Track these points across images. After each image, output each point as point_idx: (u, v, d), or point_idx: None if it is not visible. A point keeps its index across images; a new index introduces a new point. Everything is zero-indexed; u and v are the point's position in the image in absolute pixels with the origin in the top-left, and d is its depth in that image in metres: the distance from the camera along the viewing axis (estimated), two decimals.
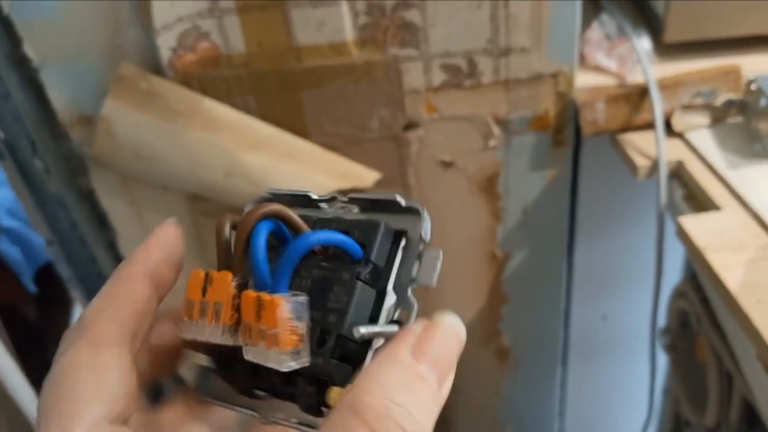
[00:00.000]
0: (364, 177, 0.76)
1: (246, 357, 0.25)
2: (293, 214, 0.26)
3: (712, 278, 0.54)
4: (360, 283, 0.25)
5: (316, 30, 0.68)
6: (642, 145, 0.67)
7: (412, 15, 0.67)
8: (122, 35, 0.70)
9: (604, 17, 0.73)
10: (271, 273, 0.25)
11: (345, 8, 0.67)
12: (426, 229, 0.26)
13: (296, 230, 0.26)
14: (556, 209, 0.79)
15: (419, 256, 0.26)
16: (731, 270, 0.53)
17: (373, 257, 0.25)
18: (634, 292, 0.88)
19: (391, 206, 0.27)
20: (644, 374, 0.78)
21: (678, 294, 0.69)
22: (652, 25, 0.75)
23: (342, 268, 0.26)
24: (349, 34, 0.69)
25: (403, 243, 0.26)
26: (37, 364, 1.67)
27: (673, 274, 0.76)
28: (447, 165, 0.77)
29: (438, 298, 0.87)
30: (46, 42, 0.72)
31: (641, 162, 0.66)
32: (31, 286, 1.67)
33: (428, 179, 0.78)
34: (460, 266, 0.85)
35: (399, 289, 0.26)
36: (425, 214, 0.26)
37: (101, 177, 0.79)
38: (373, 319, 0.25)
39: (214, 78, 0.71)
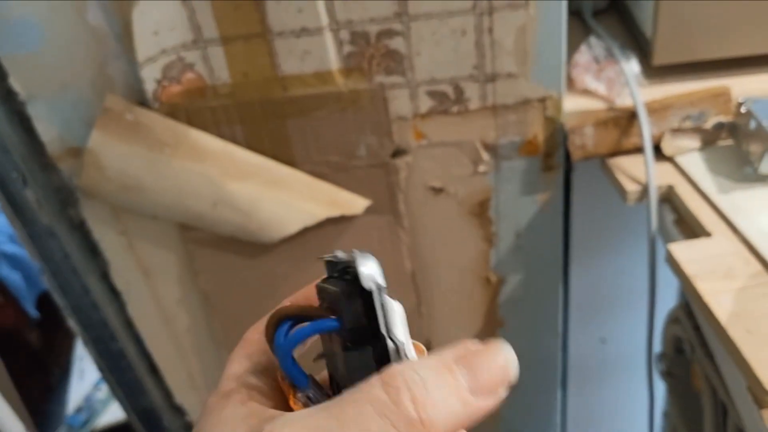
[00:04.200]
0: (353, 204, 0.76)
1: None
2: (298, 310, 0.28)
3: (701, 307, 0.53)
4: (347, 354, 0.26)
5: (300, 60, 0.68)
6: (631, 170, 0.66)
7: (397, 43, 0.67)
8: (108, 68, 0.70)
9: (593, 40, 0.73)
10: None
11: (329, 38, 0.67)
12: (365, 275, 0.26)
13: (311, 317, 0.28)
14: (549, 233, 0.78)
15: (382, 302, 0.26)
16: (721, 298, 0.52)
17: (347, 323, 0.26)
18: (632, 315, 0.86)
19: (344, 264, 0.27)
20: (644, 397, 0.77)
21: (672, 320, 0.68)
22: (641, 47, 0.74)
23: (338, 345, 0.27)
24: (334, 63, 0.68)
25: (375, 294, 0.26)
26: (38, 389, 1.67)
27: (669, 298, 0.75)
28: (437, 191, 0.76)
29: (433, 323, 0.86)
30: (33, 75, 0.72)
31: (631, 187, 0.65)
32: (33, 311, 1.68)
33: (419, 205, 0.77)
34: (454, 291, 0.84)
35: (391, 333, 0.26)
36: (359, 262, 0.26)
37: (92, 207, 0.79)
38: None
39: (200, 108, 0.71)
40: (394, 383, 0.23)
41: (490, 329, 0.88)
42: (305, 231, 0.74)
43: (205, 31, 0.67)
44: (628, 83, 0.67)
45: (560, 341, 0.89)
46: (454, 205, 0.77)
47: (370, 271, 0.26)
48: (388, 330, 0.26)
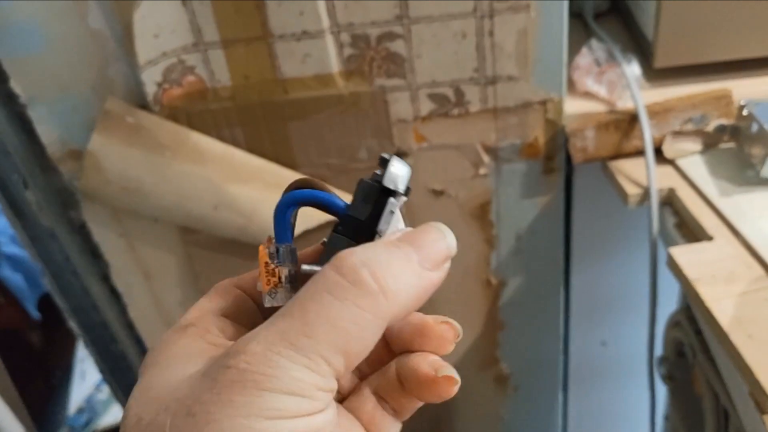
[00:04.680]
0: None
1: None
2: (320, 183, 0.28)
3: (703, 311, 0.53)
4: (334, 234, 0.27)
5: (301, 62, 0.68)
6: (632, 173, 0.66)
7: (397, 46, 0.67)
8: (109, 70, 0.70)
9: (594, 42, 0.73)
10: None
11: (329, 40, 0.67)
12: (392, 179, 0.26)
13: (329, 203, 0.28)
14: (550, 236, 0.78)
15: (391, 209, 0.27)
16: (722, 303, 0.52)
17: (349, 211, 0.27)
18: (632, 317, 0.86)
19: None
20: (646, 400, 0.77)
21: (673, 323, 0.68)
22: (642, 49, 0.74)
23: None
24: (335, 65, 0.68)
25: (391, 198, 0.27)
26: (39, 390, 1.67)
27: (670, 301, 0.74)
28: (438, 193, 0.76)
29: None
30: (34, 78, 0.72)
31: (632, 190, 0.64)
32: (35, 312, 1.67)
33: (419, 207, 0.77)
34: (455, 293, 0.84)
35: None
36: (390, 166, 0.27)
37: (93, 210, 0.79)
38: None
39: (201, 111, 0.71)
40: (347, 263, 0.24)
41: (491, 332, 0.87)
42: (306, 233, 0.74)
43: (205, 34, 0.67)
44: (629, 86, 0.67)
45: (561, 344, 0.89)
46: (454, 207, 0.77)
47: (398, 172, 0.26)
48: (380, 229, 0.27)
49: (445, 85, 0.69)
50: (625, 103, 0.68)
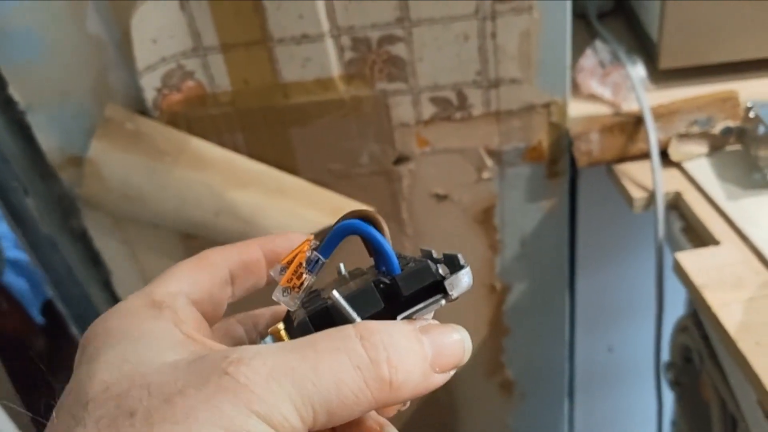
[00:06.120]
0: None
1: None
2: (381, 224, 0.28)
3: (710, 317, 0.52)
4: (372, 286, 0.26)
5: (301, 66, 0.67)
6: (638, 176, 0.65)
7: (399, 49, 0.66)
8: (108, 76, 0.70)
9: (598, 44, 0.72)
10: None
11: (330, 44, 0.66)
12: (455, 285, 0.27)
13: (387, 258, 0.28)
14: (555, 240, 0.77)
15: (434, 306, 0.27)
16: (730, 309, 0.51)
17: (399, 279, 0.26)
18: (639, 322, 0.85)
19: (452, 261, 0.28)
20: (653, 405, 0.76)
21: (680, 329, 0.67)
22: (647, 50, 0.73)
23: (370, 277, 0.28)
24: (336, 69, 0.67)
25: (438, 295, 0.27)
26: (42, 395, 1.67)
27: (677, 305, 0.73)
28: (441, 198, 0.75)
29: None
30: (32, 84, 0.71)
31: (637, 194, 0.64)
32: (38, 318, 1.67)
33: (422, 212, 0.76)
34: (459, 299, 0.83)
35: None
36: (461, 273, 0.27)
37: (93, 217, 0.78)
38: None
39: (201, 117, 0.70)
40: (373, 340, 0.24)
41: (495, 337, 0.86)
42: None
43: (204, 39, 0.66)
44: (634, 88, 0.66)
45: (567, 349, 0.88)
46: (458, 212, 0.76)
47: (463, 283, 0.27)
48: (412, 316, 0.27)
49: (447, 89, 0.68)
50: (629, 106, 0.67)
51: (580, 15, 0.80)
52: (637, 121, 0.66)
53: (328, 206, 0.74)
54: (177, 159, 0.71)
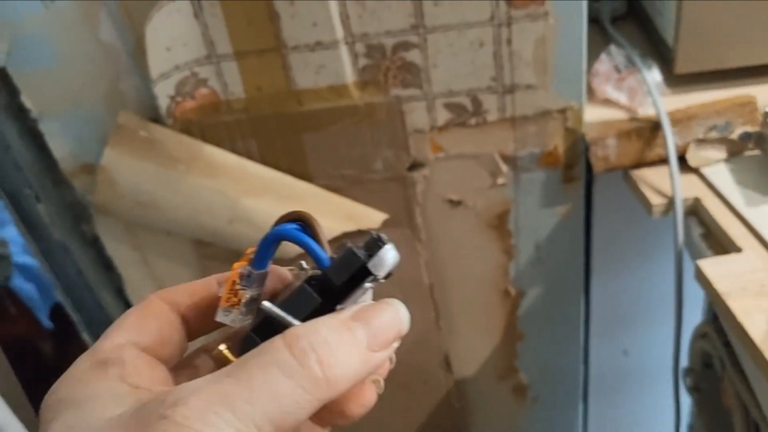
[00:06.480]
0: (370, 218, 0.74)
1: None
2: (312, 221, 0.28)
3: (734, 326, 0.51)
4: (304, 285, 0.27)
5: (315, 73, 0.67)
6: (656, 182, 0.65)
7: (413, 55, 0.65)
8: (121, 84, 0.69)
9: (613, 48, 0.71)
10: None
11: (344, 51, 0.66)
12: (379, 265, 0.27)
13: (314, 254, 0.28)
14: (570, 245, 0.77)
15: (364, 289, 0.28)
16: (754, 317, 0.50)
17: (328, 272, 0.27)
18: (655, 326, 0.85)
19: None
20: (669, 410, 0.75)
21: (700, 335, 0.66)
22: (662, 55, 0.72)
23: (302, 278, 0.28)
24: (350, 76, 0.67)
25: (368, 283, 0.27)
26: None
27: (695, 310, 0.73)
28: (455, 203, 0.75)
29: (452, 337, 0.85)
30: (45, 92, 0.71)
31: (656, 200, 0.63)
32: (47, 322, 1.67)
33: (436, 218, 0.76)
34: (473, 304, 0.83)
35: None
36: (382, 252, 0.27)
37: (105, 223, 0.78)
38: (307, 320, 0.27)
39: (215, 124, 0.70)
40: (299, 345, 0.24)
41: (509, 342, 0.86)
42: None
43: (218, 46, 0.66)
44: (650, 93, 0.66)
45: (581, 353, 0.88)
46: (472, 217, 0.76)
47: (386, 261, 0.27)
48: (345, 305, 0.27)
49: (462, 95, 0.68)
50: (645, 111, 0.67)
51: (593, 19, 0.80)
52: (654, 126, 0.66)
53: (342, 213, 0.74)
54: (190, 166, 0.71)
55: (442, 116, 0.69)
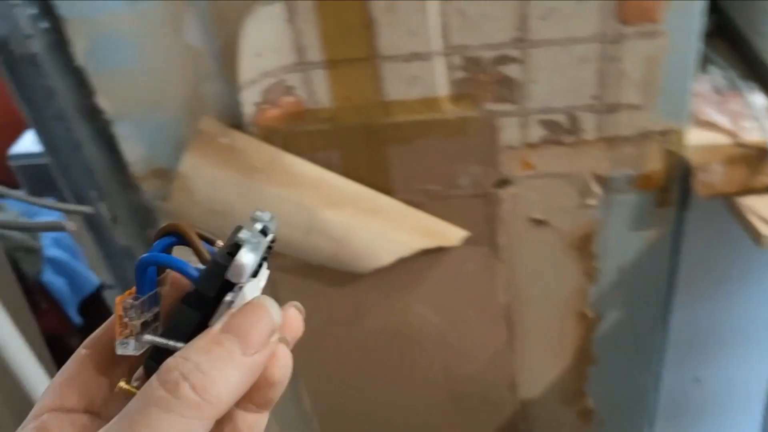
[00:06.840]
0: (449, 235, 0.72)
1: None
2: (189, 232, 0.28)
3: None
4: (181, 304, 0.27)
5: (408, 84, 0.64)
6: (765, 211, 0.62)
7: (512, 70, 0.63)
8: (202, 88, 0.67)
9: (713, 69, 0.68)
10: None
11: (440, 63, 0.63)
12: (236, 274, 0.26)
13: (197, 252, 0.28)
14: (656, 271, 0.74)
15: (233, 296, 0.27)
16: None
17: (198, 285, 0.27)
18: (731, 355, 0.82)
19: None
20: None
21: None
22: (761, 76, 0.69)
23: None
24: (443, 89, 0.64)
25: (227, 296, 0.27)
26: None
27: None
28: (539, 223, 0.72)
29: (525, 357, 0.82)
30: (122, 93, 0.69)
31: (766, 230, 0.60)
32: (76, 317, 1.65)
33: (518, 237, 0.73)
34: (546, 325, 0.80)
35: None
36: (236, 259, 0.26)
37: None
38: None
39: (297, 133, 0.67)
40: (171, 378, 0.25)
41: (580, 365, 0.83)
42: (402, 261, 0.71)
43: (309, 54, 0.63)
44: (756, 117, 0.63)
45: (653, 380, 0.85)
46: (555, 238, 0.73)
47: (243, 265, 0.26)
48: (213, 321, 0.27)
49: (558, 112, 0.65)
50: (749, 135, 0.64)
51: None
52: (761, 152, 0.63)
53: (422, 229, 0.72)
54: (269, 176, 0.68)
55: (536, 133, 0.66)
